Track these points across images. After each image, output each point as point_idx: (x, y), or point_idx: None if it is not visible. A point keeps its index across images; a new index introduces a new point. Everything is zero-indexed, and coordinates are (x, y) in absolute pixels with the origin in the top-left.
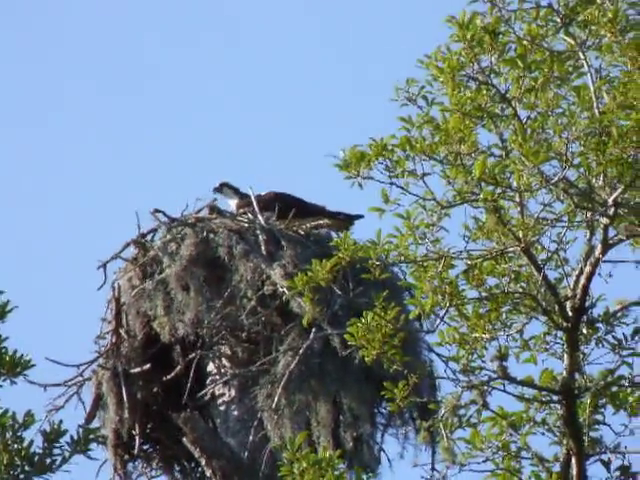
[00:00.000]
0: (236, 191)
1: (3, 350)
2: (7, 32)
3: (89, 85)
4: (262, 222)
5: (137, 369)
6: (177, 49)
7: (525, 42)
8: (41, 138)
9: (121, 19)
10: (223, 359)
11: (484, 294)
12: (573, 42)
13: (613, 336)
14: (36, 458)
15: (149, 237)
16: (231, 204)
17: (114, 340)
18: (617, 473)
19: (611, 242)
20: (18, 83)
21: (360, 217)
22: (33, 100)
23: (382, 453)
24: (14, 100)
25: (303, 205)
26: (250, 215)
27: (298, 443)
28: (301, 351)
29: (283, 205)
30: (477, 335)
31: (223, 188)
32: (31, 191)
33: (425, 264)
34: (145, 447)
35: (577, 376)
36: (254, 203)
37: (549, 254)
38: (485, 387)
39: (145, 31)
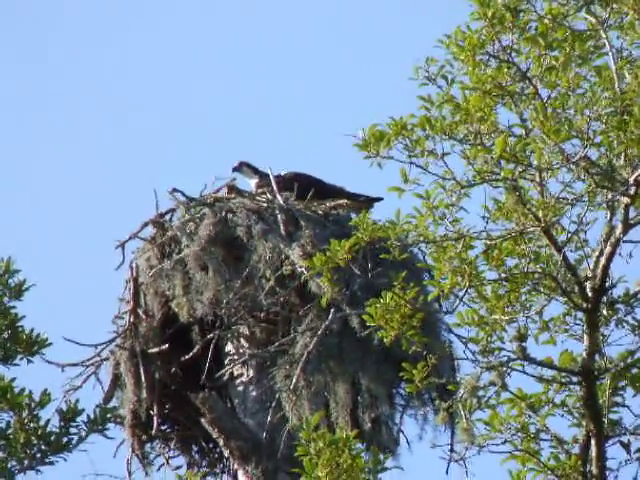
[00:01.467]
0: (255, 170)
1: (20, 329)
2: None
3: (110, 63)
4: (281, 202)
5: (155, 349)
6: (206, 31)
7: (546, 20)
8: (63, 117)
9: None
10: (241, 339)
11: (503, 275)
12: (594, 21)
13: (633, 317)
14: (53, 437)
15: (167, 217)
16: (250, 183)
17: (132, 320)
18: (637, 455)
19: (632, 222)
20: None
21: (380, 199)
22: (53, 77)
23: (401, 434)
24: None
25: (322, 185)
26: (269, 195)
27: (314, 423)
28: (319, 331)
29: (302, 185)
30: (496, 316)
31: (242, 167)
32: (50, 170)
33: (444, 244)
34: (163, 427)
35: (597, 357)
36: (273, 183)
37: (569, 235)
38: (504, 368)
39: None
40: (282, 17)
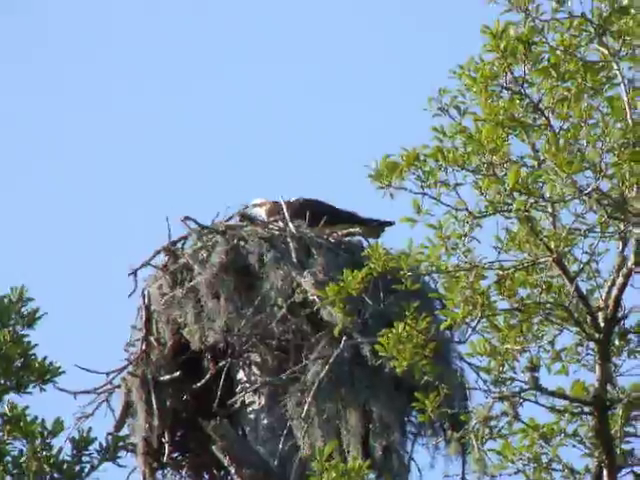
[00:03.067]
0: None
1: (32, 357)
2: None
3: (123, 86)
4: (293, 229)
5: (167, 377)
6: (223, 51)
7: (558, 52)
8: (77, 142)
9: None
10: (253, 367)
11: (515, 305)
12: (607, 52)
13: None
14: (65, 466)
15: (179, 244)
16: (262, 213)
17: (144, 347)
18: None
19: None
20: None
21: (391, 224)
22: (64, 99)
23: (412, 462)
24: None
25: (334, 211)
26: (281, 222)
27: (327, 453)
28: (331, 359)
29: (314, 211)
30: (508, 346)
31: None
32: (63, 197)
33: (456, 274)
34: (174, 455)
35: (609, 387)
36: (285, 210)
37: (581, 265)
38: (516, 398)
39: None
40: (292, 41)
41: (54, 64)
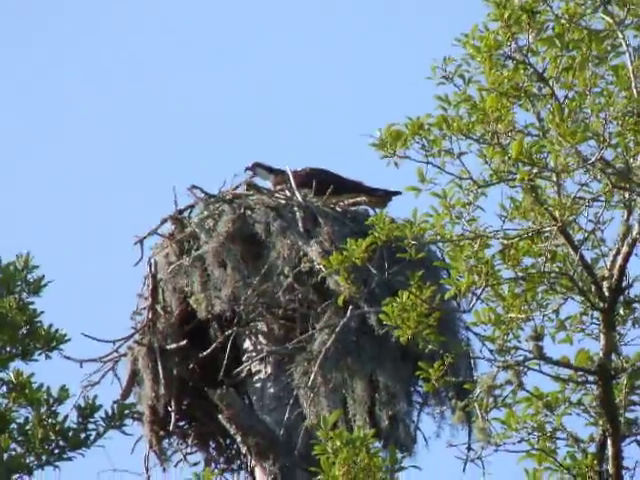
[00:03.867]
0: (270, 169)
1: (38, 324)
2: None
3: (129, 60)
4: (299, 199)
5: (173, 345)
6: (226, 28)
7: (563, 21)
8: (83, 112)
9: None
10: (259, 336)
11: (520, 274)
12: (611, 21)
13: None
14: (70, 433)
15: (186, 213)
16: (266, 182)
17: (150, 316)
18: None
19: None
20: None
21: (398, 193)
22: (70, 75)
23: (418, 432)
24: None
25: (340, 180)
26: (287, 192)
27: (332, 421)
28: (337, 329)
29: (320, 181)
30: (513, 315)
31: (256, 168)
32: (69, 166)
33: (461, 243)
34: (181, 424)
35: (613, 357)
36: (291, 179)
37: (586, 234)
38: (521, 367)
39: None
40: (297, 16)
41: (55, 47)
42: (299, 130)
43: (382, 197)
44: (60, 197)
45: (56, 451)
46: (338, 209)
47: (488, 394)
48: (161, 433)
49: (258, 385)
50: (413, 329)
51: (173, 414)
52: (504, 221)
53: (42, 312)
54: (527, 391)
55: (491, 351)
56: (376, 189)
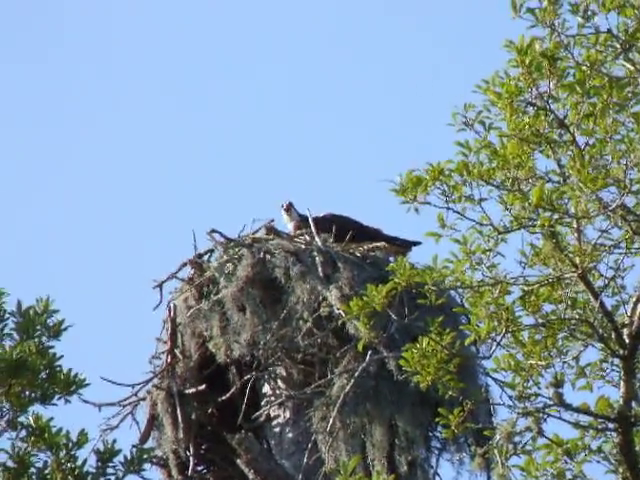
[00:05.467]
0: (298, 214)
1: (58, 369)
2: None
3: (145, 95)
4: (319, 243)
5: (192, 389)
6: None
7: (584, 67)
8: (102, 155)
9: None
10: (278, 380)
11: (540, 320)
12: (632, 68)
13: None
14: (89, 477)
15: (205, 257)
16: (288, 225)
17: (169, 360)
18: None
19: None
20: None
21: (418, 244)
22: (87, 104)
23: (437, 478)
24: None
25: (360, 227)
26: (307, 236)
27: (352, 467)
28: (356, 374)
29: (340, 227)
30: (533, 362)
31: (291, 209)
32: (89, 210)
33: (481, 290)
34: (199, 468)
35: (633, 404)
36: (312, 224)
37: (606, 281)
38: (540, 414)
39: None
40: (318, 56)
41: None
42: (319, 175)
43: (402, 246)
44: (80, 241)
45: None
46: (357, 254)
47: (507, 441)
48: (180, 478)
49: (277, 430)
50: (433, 375)
51: (192, 458)
52: (524, 267)
53: (62, 356)
54: (547, 438)
55: (511, 397)
56: (396, 238)
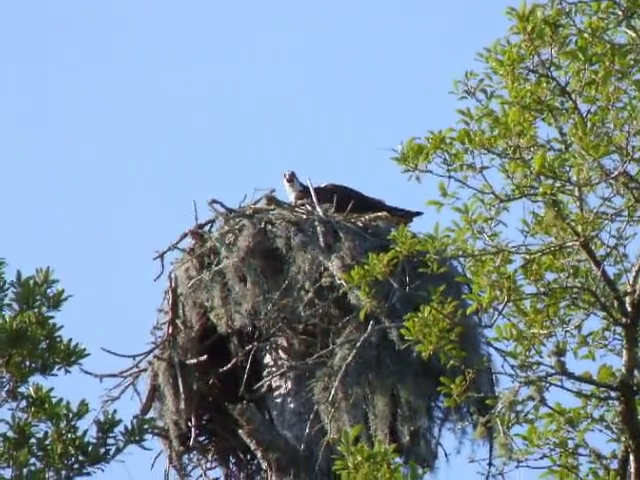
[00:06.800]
0: (300, 184)
1: (58, 339)
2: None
3: (148, 73)
4: (321, 213)
5: (193, 360)
6: (246, 42)
7: (586, 35)
8: (103, 126)
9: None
10: (280, 351)
11: (542, 289)
12: (634, 35)
13: None
14: (90, 448)
15: (206, 228)
16: (289, 195)
17: (170, 331)
18: None
19: None
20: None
21: (419, 214)
22: (97, 93)
23: (439, 447)
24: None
25: (362, 198)
26: (308, 206)
27: (353, 436)
28: (358, 344)
29: (341, 197)
30: (535, 331)
31: (293, 179)
32: (90, 180)
33: (483, 258)
34: (201, 439)
35: (636, 372)
36: (313, 194)
37: (608, 249)
38: (543, 383)
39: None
40: (324, 29)
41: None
42: (320, 145)
43: (403, 217)
44: (80, 211)
45: (75, 466)
46: (359, 224)
47: (510, 410)
48: (181, 448)
49: (278, 400)
50: (435, 344)
51: (193, 429)
52: (526, 236)
53: (62, 326)
54: (549, 407)
55: (513, 367)
56: (397, 208)
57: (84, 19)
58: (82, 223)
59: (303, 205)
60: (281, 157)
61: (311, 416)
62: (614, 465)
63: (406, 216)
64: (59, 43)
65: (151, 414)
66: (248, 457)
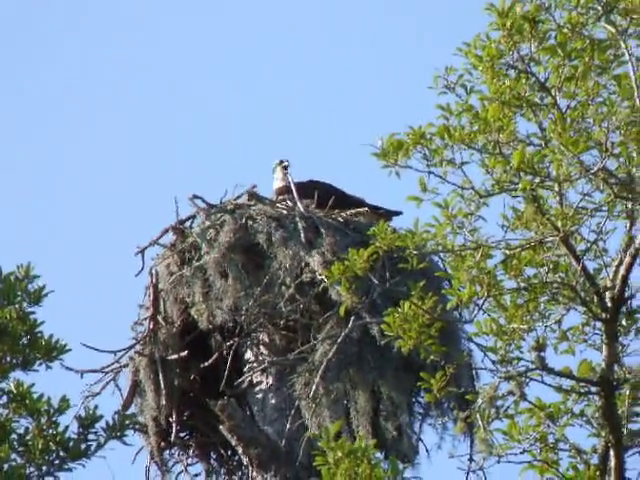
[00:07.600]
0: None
1: (39, 334)
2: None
3: (130, 70)
4: (302, 209)
5: (174, 356)
6: (231, 36)
7: (565, 30)
8: (84, 122)
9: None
10: (261, 347)
11: (522, 284)
12: (614, 30)
13: None
14: (71, 443)
15: (188, 223)
16: (276, 183)
17: (151, 327)
18: None
19: None
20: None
21: (399, 213)
22: (75, 89)
23: (420, 443)
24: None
25: (342, 195)
26: (289, 202)
27: (334, 432)
28: (339, 339)
29: (322, 193)
30: (515, 326)
31: (288, 170)
32: (70, 176)
33: (463, 254)
34: (182, 434)
35: (616, 367)
36: (294, 190)
37: (588, 244)
38: (523, 378)
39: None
40: (302, 26)
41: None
42: (300, 140)
43: (383, 215)
44: (61, 207)
45: (56, 462)
46: (340, 219)
47: (490, 405)
48: (162, 444)
49: (259, 396)
50: (415, 339)
51: (174, 425)
52: (506, 231)
53: (43, 322)
54: (529, 402)
55: (493, 362)
56: (378, 207)
57: (72, 18)
58: (63, 219)
59: (284, 201)
60: (261, 153)
61: (292, 412)
62: (594, 460)
63: (386, 215)
64: (52, 43)
65: (132, 410)
66: (229, 453)
